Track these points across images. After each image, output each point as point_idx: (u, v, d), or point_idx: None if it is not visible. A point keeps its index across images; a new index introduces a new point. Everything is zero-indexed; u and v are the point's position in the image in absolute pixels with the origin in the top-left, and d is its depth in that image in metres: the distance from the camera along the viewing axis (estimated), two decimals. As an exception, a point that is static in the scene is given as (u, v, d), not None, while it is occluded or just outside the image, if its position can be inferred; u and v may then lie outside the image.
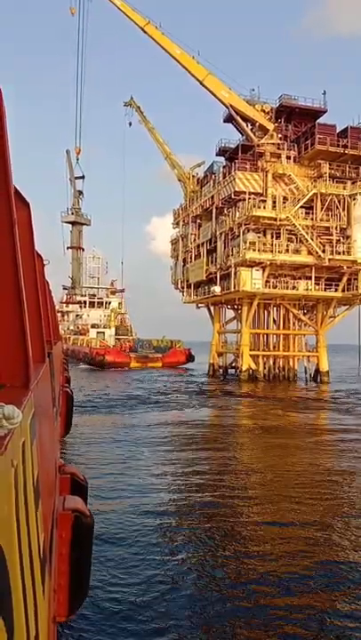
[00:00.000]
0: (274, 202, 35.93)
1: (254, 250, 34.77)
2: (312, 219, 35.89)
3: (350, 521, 8.83)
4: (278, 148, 37.21)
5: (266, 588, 6.27)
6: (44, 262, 5.04)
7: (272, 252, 34.94)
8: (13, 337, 1.73)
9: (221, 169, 41.17)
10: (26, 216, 2.59)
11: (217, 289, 39.23)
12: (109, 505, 9.22)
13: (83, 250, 79.25)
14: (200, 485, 10.89)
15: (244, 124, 39.57)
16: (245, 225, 35.56)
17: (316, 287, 36.86)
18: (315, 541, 7.84)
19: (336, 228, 35.97)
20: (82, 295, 73.28)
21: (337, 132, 36.81)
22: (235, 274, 36.05)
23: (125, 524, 8.33)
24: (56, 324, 12.07)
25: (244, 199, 35.84)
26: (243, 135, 40.91)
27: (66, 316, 71.44)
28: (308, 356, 42.41)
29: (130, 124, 50.89)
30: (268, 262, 34.97)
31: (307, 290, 36.63)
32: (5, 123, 1.56)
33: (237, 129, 41.42)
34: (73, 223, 78.29)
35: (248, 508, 9.44)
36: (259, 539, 7.95)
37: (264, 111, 39.42)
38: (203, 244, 43.65)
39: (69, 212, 77.89)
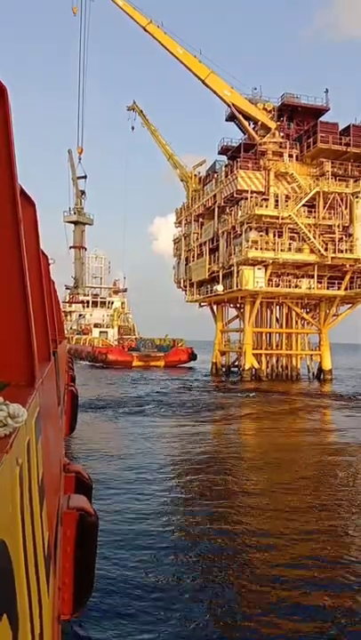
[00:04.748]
0: (276, 200, 35.87)
1: (257, 248, 34.74)
2: (314, 217, 35.80)
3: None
4: (280, 147, 37.14)
5: (269, 589, 6.27)
6: (50, 261, 5.03)
7: (274, 250, 34.89)
8: (19, 335, 1.73)
9: (224, 168, 41.08)
10: (31, 214, 2.59)
11: (219, 288, 39.20)
12: (113, 504, 9.22)
13: (85, 249, 79.29)
14: (203, 485, 10.88)
15: (246, 123, 39.52)
16: (248, 223, 35.51)
17: (319, 286, 36.81)
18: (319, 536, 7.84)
19: (339, 226, 35.89)
20: (85, 295, 73.32)
21: (339, 130, 36.79)
22: (237, 272, 36.03)
23: (129, 523, 8.33)
24: (61, 323, 12.06)
25: (247, 198, 35.78)
26: (245, 134, 40.85)
27: (69, 316, 71.49)
28: (311, 355, 42.36)
29: (132, 128, 50.91)
30: (271, 261, 34.93)
31: (309, 288, 36.58)
32: (11, 122, 1.56)
33: (240, 128, 41.36)
34: (75, 223, 78.26)
35: (251, 510, 9.43)
36: (264, 533, 7.95)
37: (266, 110, 39.34)
38: (205, 242, 43.63)
39: (72, 212, 77.86)
